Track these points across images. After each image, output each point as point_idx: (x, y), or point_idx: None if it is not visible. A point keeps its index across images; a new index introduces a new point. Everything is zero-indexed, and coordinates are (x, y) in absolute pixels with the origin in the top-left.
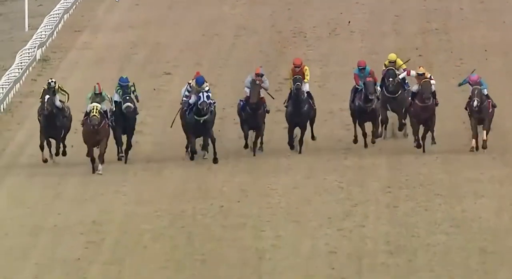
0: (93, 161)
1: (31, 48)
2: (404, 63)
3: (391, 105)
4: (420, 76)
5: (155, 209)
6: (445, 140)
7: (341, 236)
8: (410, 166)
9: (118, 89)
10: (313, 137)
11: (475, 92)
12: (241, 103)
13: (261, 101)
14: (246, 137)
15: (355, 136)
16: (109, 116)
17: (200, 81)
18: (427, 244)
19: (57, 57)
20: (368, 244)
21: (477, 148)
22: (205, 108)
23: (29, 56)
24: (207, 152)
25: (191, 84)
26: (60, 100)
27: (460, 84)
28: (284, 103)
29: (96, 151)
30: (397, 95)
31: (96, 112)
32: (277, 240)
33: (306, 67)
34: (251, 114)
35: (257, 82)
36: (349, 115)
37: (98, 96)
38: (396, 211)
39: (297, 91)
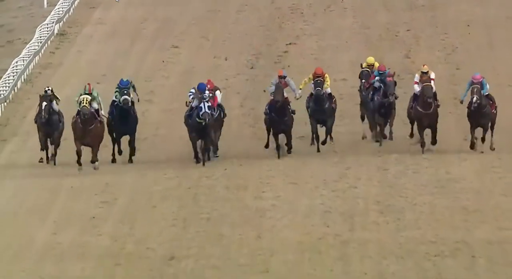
0: (79, 155)
1: (49, 24)
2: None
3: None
4: (423, 74)
5: (163, 172)
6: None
7: (335, 196)
8: (400, 134)
9: (117, 91)
10: (330, 137)
11: (475, 90)
12: (266, 108)
13: (286, 101)
14: (274, 138)
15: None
16: (108, 116)
17: (201, 87)
18: (414, 204)
19: (74, 32)
20: (360, 204)
21: (474, 148)
22: (206, 119)
23: (47, 31)
24: (214, 155)
25: (194, 89)
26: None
27: (463, 98)
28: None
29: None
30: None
31: (86, 103)
32: (276, 200)
33: (326, 75)
34: (277, 119)
35: (282, 83)
36: (344, 85)
37: (86, 95)
38: (386, 174)
39: (316, 96)
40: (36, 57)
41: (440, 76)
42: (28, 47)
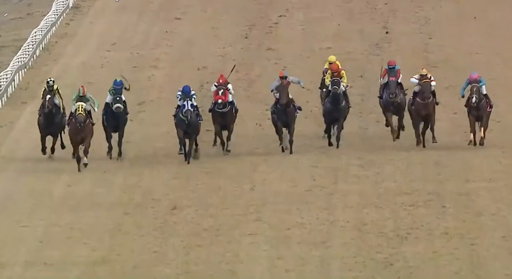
0: (78, 161)
1: None
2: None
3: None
4: (422, 77)
5: (167, 130)
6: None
7: (321, 153)
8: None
9: (112, 90)
10: (338, 138)
11: (474, 90)
12: (273, 106)
13: (291, 100)
14: (278, 133)
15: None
16: (102, 115)
17: (186, 90)
18: (392, 159)
19: (87, 5)
20: (342, 160)
21: (474, 143)
22: (188, 116)
23: (63, 4)
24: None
25: (180, 91)
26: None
27: (462, 93)
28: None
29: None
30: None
31: (81, 110)
32: (268, 156)
33: (342, 71)
34: (282, 111)
35: (284, 85)
36: (327, 52)
37: (82, 99)
38: (366, 132)
39: (334, 94)
40: (53, 28)
41: (414, 45)
42: (46, 19)
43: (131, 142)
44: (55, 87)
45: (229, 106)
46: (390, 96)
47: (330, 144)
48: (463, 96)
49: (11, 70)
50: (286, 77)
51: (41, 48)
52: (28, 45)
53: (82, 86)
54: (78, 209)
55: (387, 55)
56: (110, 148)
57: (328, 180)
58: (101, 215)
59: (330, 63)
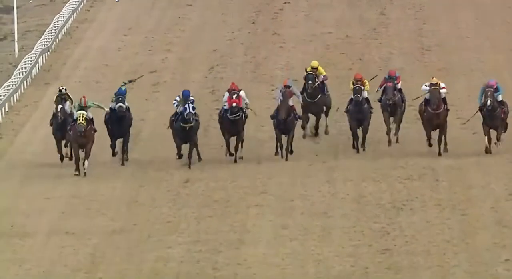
0: (77, 163)
1: None
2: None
3: (311, 108)
4: (432, 85)
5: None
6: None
7: (322, 131)
8: None
9: (114, 98)
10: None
11: (488, 94)
12: (274, 113)
13: (291, 109)
14: (277, 139)
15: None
16: (105, 122)
17: (186, 94)
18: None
19: None
20: (343, 136)
21: (490, 151)
22: (191, 118)
23: None
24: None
25: (179, 97)
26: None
27: (479, 100)
28: (345, 109)
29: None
30: (316, 99)
31: (82, 120)
32: (273, 133)
33: (365, 80)
34: (282, 121)
35: (287, 95)
36: (330, 37)
37: (84, 108)
38: None
39: (355, 102)
40: (74, 14)
41: (410, 30)
42: (68, 6)
43: (145, 120)
44: (66, 93)
45: (240, 114)
46: (388, 101)
47: (357, 150)
48: (481, 100)
49: (35, 53)
50: (290, 86)
51: (63, 33)
52: (51, 30)
53: (83, 97)
54: (96, 182)
55: (384, 39)
56: (114, 153)
57: (329, 156)
58: (118, 187)
59: (312, 68)
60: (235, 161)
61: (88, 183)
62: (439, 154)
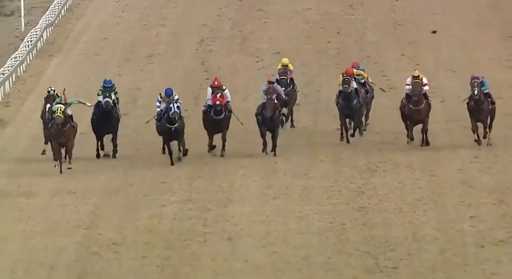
0: (60, 161)
1: None
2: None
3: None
4: (415, 78)
5: (173, 80)
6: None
7: (303, 97)
8: None
9: (101, 90)
10: (360, 131)
11: (475, 84)
12: (261, 108)
13: (276, 106)
14: (262, 136)
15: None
16: (92, 117)
17: (168, 93)
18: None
19: None
20: (322, 103)
21: (479, 142)
22: (176, 118)
23: None
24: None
25: (161, 95)
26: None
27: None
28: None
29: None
30: (285, 91)
31: (60, 112)
32: (258, 101)
33: (365, 74)
34: (268, 118)
35: (271, 92)
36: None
37: (60, 104)
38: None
39: (344, 94)
40: None
41: (384, 6)
42: None
43: (141, 89)
44: (55, 93)
45: (224, 114)
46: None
47: (347, 141)
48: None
49: (40, 28)
50: (273, 82)
51: (65, 9)
52: (54, 7)
53: (64, 94)
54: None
55: (360, 15)
56: (102, 147)
57: (310, 121)
58: (119, 149)
59: (283, 65)
60: (221, 153)
61: (88, 146)
62: (422, 144)
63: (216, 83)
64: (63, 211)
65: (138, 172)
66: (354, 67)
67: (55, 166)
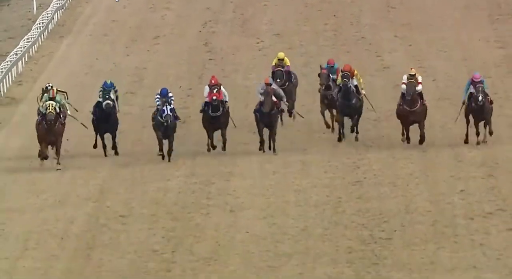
0: (46, 158)
1: None
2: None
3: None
4: (411, 77)
5: (178, 60)
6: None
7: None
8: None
9: (101, 92)
10: (356, 131)
11: (479, 89)
12: (257, 107)
13: (274, 103)
14: (260, 133)
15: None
16: (92, 116)
17: (164, 92)
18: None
19: None
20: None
21: (478, 142)
22: (168, 120)
23: None
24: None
25: (158, 94)
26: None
27: (465, 98)
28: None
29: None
30: (284, 87)
31: (52, 108)
32: (259, 80)
33: (356, 71)
34: (265, 114)
35: (269, 91)
36: None
37: (52, 100)
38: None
39: (344, 91)
40: None
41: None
42: None
43: (147, 68)
44: (54, 89)
45: (222, 110)
46: (322, 86)
47: (339, 139)
48: (463, 103)
49: (51, 10)
50: (271, 84)
51: None
52: None
53: (52, 89)
54: None
55: None
56: (104, 146)
57: (308, 100)
58: (124, 128)
59: (279, 60)
60: (222, 148)
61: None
62: (420, 142)
63: (213, 81)
64: (73, 184)
65: (145, 147)
66: (329, 64)
67: (41, 164)
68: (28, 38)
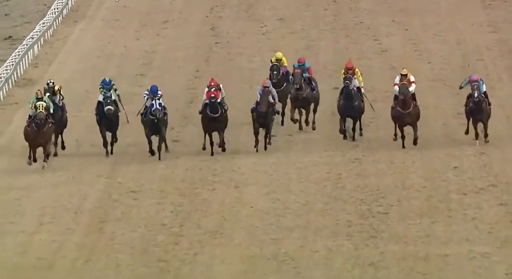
0: (35, 160)
1: None
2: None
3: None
4: (403, 77)
5: (186, 43)
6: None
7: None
8: None
9: (101, 89)
10: (360, 128)
11: (475, 87)
12: (254, 106)
13: (270, 104)
14: (255, 133)
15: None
16: (95, 114)
17: (154, 90)
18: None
19: None
20: (320, 64)
21: (477, 137)
22: (157, 114)
23: None
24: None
25: (148, 91)
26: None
27: (461, 87)
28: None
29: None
30: (282, 88)
31: (42, 109)
32: (263, 62)
33: (357, 69)
34: (262, 114)
35: (267, 92)
36: None
37: (40, 100)
38: (337, 45)
39: (346, 88)
40: None
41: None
42: None
43: (156, 52)
44: (56, 88)
45: (221, 111)
46: (295, 85)
47: (344, 137)
48: (460, 88)
49: None
50: (268, 87)
51: None
52: None
53: (39, 90)
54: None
55: None
56: (105, 143)
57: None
58: (135, 108)
59: (277, 60)
60: (212, 154)
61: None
62: (414, 142)
63: (212, 83)
64: (87, 162)
65: None
66: (300, 63)
67: (29, 163)
68: (43, 23)
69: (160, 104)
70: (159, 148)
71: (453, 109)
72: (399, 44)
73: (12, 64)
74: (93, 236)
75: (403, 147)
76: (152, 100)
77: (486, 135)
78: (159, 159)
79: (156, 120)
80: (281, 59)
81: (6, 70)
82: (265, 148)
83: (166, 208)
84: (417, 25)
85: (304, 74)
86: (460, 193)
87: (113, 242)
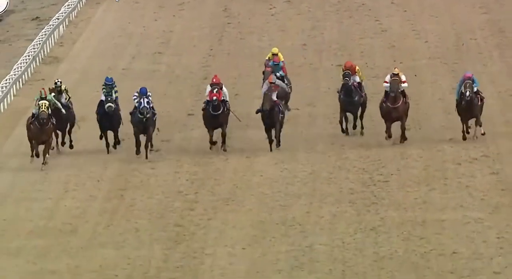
0: (37, 156)
1: None
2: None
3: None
4: (394, 76)
5: (201, 24)
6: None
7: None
8: None
9: (104, 88)
10: (361, 126)
11: (467, 85)
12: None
13: (275, 103)
14: (266, 132)
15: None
16: (96, 113)
17: (143, 91)
18: (359, 44)
19: None
20: (322, 57)
21: (465, 137)
22: (145, 112)
23: None
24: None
25: (137, 92)
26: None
27: (457, 94)
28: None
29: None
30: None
31: (44, 108)
32: (271, 41)
33: (357, 67)
34: (267, 114)
35: (272, 89)
36: None
37: (44, 100)
38: (343, 28)
39: (345, 85)
40: None
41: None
42: None
43: (174, 31)
44: (63, 87)
45: (222, 108)
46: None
47: (345, 131)
48: (457, 100)
49: None
50: (274, 82)
51: None
52: None
53: (43, 88)
54: (137, 80)
55: None
56: (107, 145)
57: (315, 59)
58: (153, 84)
59: (273, 54)
60: (222, 148)
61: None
62: (401, 140)
63: (215, 80)
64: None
65: (169, 101)
66: (274, 62)
67: (31, 162)
68: (68, 5)
69: (148, 102)
70: (145, 147)
71: (449, 85)
72: (398, 25)
73: (39, 43)
74: (114, 203)
75: (390, 137)
76: (140, 99)
77: (480, 125)
78: (146, 158)
79: (144, 119)
80: (277, 54)
81: (33, 48)
82: (271, 149)
83: (182, 176)
84: (415, 6)
85: (278, 73)
86: (455, 163)
87: (133, 208)
